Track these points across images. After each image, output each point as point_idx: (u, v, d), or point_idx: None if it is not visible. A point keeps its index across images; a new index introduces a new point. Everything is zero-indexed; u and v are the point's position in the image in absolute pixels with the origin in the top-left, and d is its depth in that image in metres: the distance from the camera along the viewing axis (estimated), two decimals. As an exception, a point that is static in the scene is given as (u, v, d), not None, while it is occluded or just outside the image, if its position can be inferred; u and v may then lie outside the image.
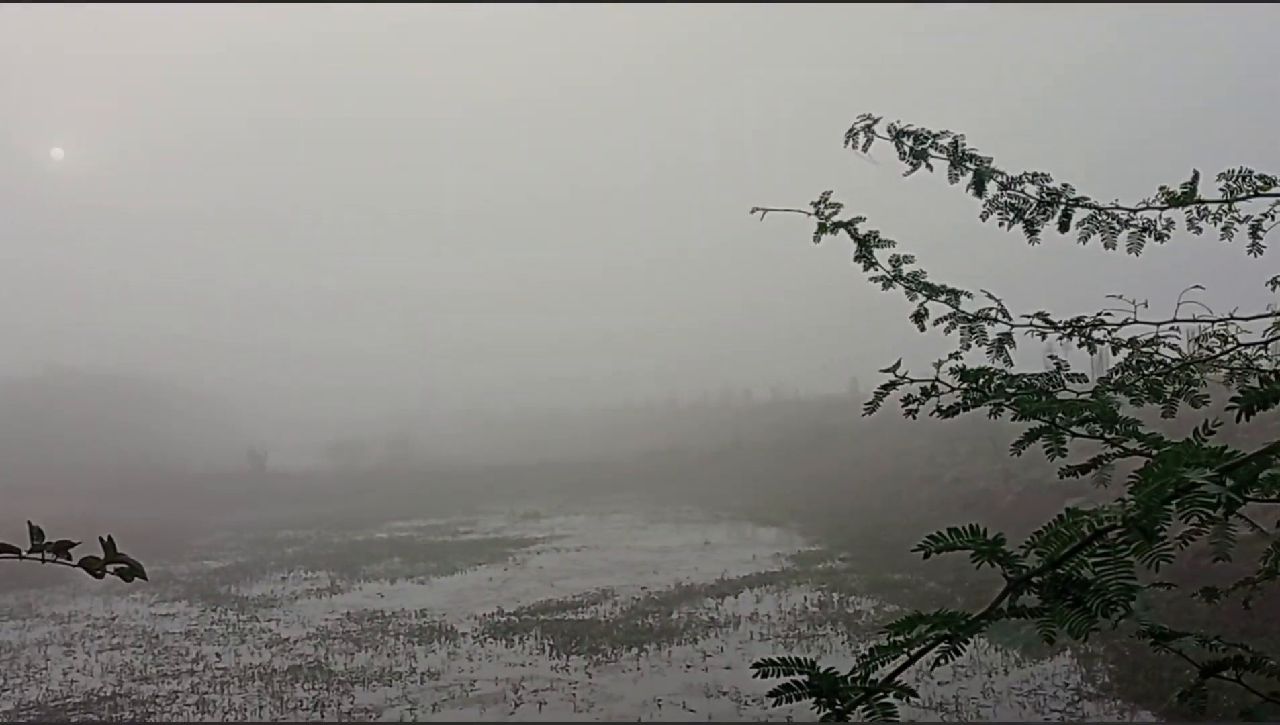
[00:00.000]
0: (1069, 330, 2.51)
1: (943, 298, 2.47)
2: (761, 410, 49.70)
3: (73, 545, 1.54)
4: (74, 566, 1.55)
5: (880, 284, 2.49)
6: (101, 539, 1.55)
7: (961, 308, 2.46)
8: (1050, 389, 2.11)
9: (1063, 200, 2.55)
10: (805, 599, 14.55)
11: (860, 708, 1.20)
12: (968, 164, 2.60)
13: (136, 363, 59.56)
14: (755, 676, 1.36)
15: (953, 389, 2.01)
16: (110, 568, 1.55)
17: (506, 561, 20.38)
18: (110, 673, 12.15)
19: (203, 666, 12.24)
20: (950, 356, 2.19)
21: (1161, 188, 2.49)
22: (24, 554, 1.51)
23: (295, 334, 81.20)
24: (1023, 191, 2.58)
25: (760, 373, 55.22)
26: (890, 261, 2.50)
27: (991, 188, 2.59)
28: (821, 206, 2.53)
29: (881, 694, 1.20)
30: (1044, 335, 2.56)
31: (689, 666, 11.20)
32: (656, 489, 35.12)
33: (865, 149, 2.71)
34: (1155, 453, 1.55)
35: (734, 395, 54.96)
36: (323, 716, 10.13)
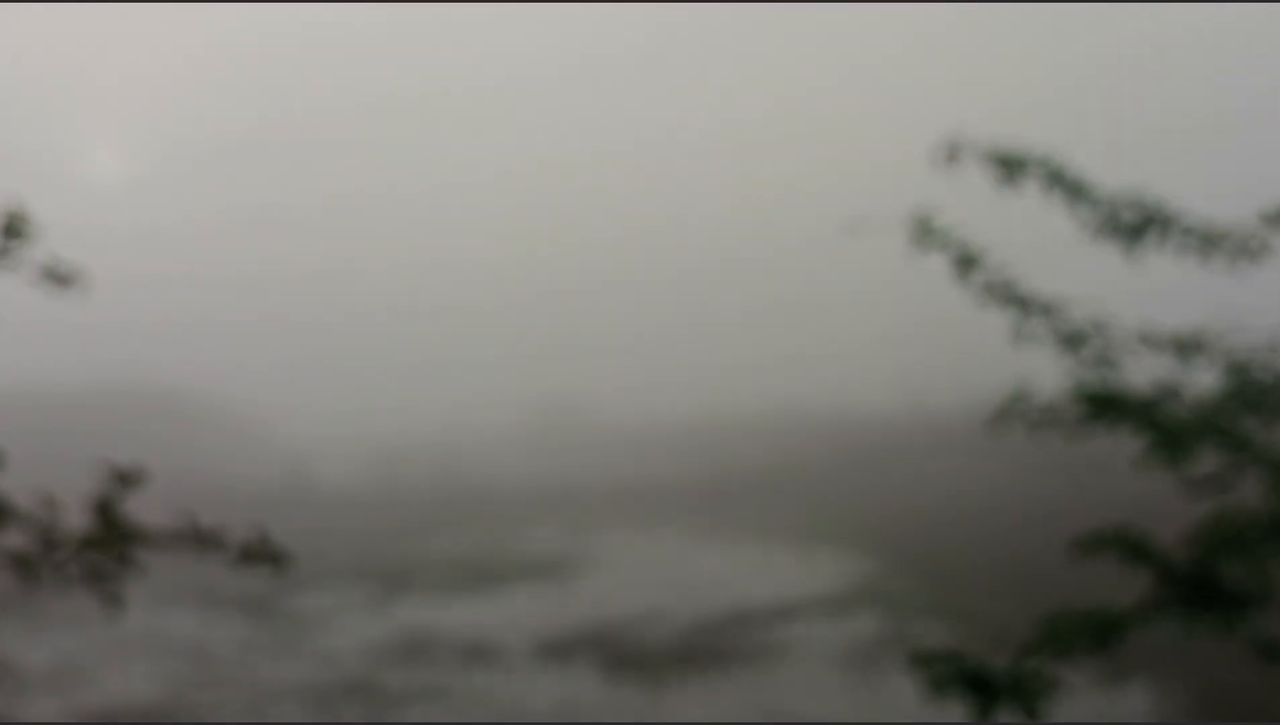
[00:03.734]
0: (1169, 347, 2.49)
1: (1042, 314, 2.47)
2: (820, 428, 49.24)
3: (228, 534, 1.58)
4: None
5: (980, 300, 2.49)
6: (257, 530, 1.60)
7: (1062, 321, 2.45)
8: (1154, 405, 2.11)
9: (1159, 219, 2.54)
10: (866, 623, 14.37)
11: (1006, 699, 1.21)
12: (1062, 184, 2.60)
13: (176, 375, 60.18)
14: (912, 667, 1.37)
15: (1077, 405, 2.02)
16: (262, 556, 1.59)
17: (556, 579, 20.33)
18: (162, 681, 12.28)
19: (252, 678, 12.34)
20: (1077, 368, 2.21)
21: (1258, 210, 2.48)
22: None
23: (334, 349, 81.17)
24: (1118, 211, 2.57)
25: (818, 388, 54.61)
26: (990, 278, 2.50)
27: (1086, 207, 2.58)
28: (921, 222, 2.54)
29: (1032, 685, 1.21)
30: (1141, 351, 2.55)
31: (748, 688, 11.10)
32: (710, 508, 34.90)
33: (956, 168, 2.71)
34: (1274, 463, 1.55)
35: (792, 412, 54.39)
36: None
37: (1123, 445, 2.01)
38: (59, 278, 1.65)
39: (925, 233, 2.49)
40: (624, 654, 12.99)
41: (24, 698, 11.67)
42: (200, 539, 1.54)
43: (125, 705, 11.24)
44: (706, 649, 13.13)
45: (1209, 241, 2.55)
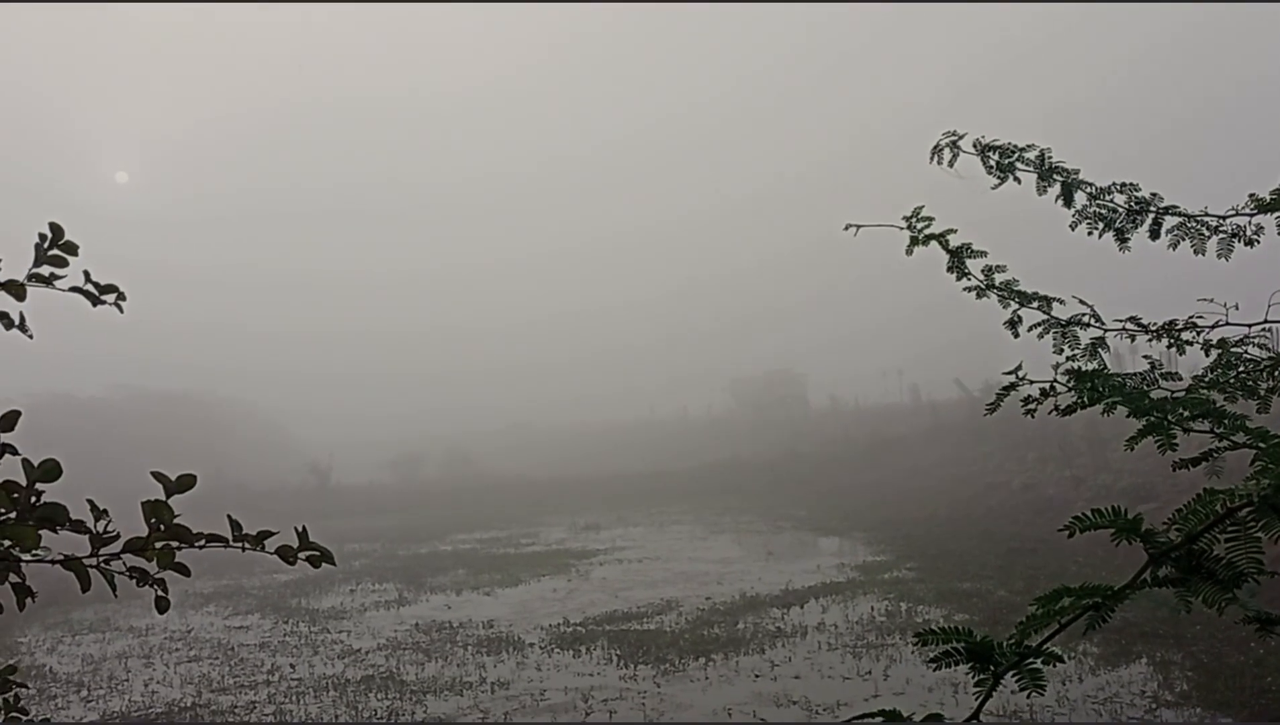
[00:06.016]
0: (1160, 333, 2.56)
1: (1034, 305, 2.54)
2: (820, 419, 49.48)
3: (270, 535, 1.67)
4: (270, 554, 1.67)
5: (974, 294, 2.56)
6: (296, 529, 1.68)
7: (1054, 314, 2.52)
8: (1145, 388, 2.18)
9: (1152, 209, 2.60)
10: (872, 609, 14.49)
11: (1011, 674, 1.29)
12: (1055, 176, 2.67)
13: (202, 387, 60.94)
14: (915, 645, 1.47)
15: (1069, 389, 2.09)
16: (302, 555, 1.67)
17: (570, 573, 20.53)
18: (189, 684, 12.46)
19: (278, 677, 12.50)
20: (1068, 358, 2.28)
21: (1251, 195, 2.54)
22: (229, 542, 1.65)
23: (346, 363, 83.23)
24: (1111, 201, 2.63)
25: (816, 380, 55.01)
26: (983, 271, 2.57)
27: (1080, 198, 2.64)
28: (914, 220, 2.60)
29: (1033, 659, 1.29)
30: (1134, 337, 2.62)
31: (757, 676, 11.24)
32: (715, 500, 35.11)
33: (951, 164, 2.78)
34: (1263, 445, 1.62)
35: (791, 404, 54.67)
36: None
37: (1116, 427, 2.10)
38: (98, 291, 1.74)
39: (919, 230, 2.56)
40: (638, 643, 13.12)
41: (54, 703, 11.83)
42: (244, 539, 1.62)
43: (153, 709, 11.40)
44: (718, 637, 13.28)
45: (1203, 227, 2.61)
